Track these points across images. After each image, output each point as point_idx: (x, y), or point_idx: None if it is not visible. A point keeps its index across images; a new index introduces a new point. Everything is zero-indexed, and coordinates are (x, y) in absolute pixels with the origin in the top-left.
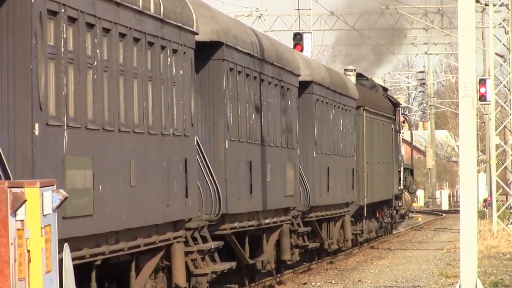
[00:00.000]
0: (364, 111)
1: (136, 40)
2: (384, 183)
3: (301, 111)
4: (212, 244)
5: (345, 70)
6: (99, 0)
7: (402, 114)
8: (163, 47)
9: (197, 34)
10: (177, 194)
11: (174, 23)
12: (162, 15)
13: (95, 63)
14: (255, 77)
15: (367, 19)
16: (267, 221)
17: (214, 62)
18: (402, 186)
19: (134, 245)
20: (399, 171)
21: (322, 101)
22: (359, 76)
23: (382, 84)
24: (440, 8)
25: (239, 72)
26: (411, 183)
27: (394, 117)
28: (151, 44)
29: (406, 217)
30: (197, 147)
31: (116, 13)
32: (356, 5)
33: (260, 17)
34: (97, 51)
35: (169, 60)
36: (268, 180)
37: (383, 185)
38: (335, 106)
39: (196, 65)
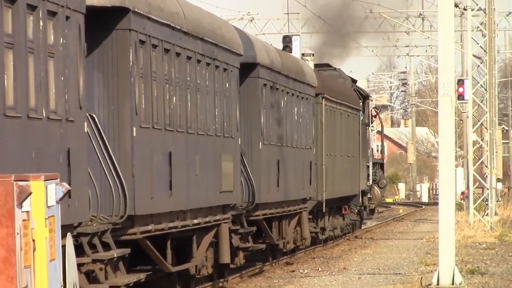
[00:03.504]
0: (323, 99)
1: None
2: (348, 177)
3: (245, 97)
4: (115, 253)
5: (303, 54)
6: None
7: (373, 108)
8: (32, 7)
9: None
10: None
11: None
12: None
13: None
14: (178, 53)
15: (353, 23)
16: (196, 221)
17: (118, 32)
18: (371, 181)
19: None
20: (368, 166)
21: (271, 87)
22: (325, 65)
23: (366, 84)
24: (421, 13)
25: (155, 46)
26: (381, 177)
27: (362, 110)
28: (11, 1)
29: (376, 212)
30: (96, 134)
31: None
32: (342, 9)
33: (251, 20)
34: None
35: (41, 23)
36: (197, 174)
37: (348, 180)
38: (288, 93)
39: (98, 35)
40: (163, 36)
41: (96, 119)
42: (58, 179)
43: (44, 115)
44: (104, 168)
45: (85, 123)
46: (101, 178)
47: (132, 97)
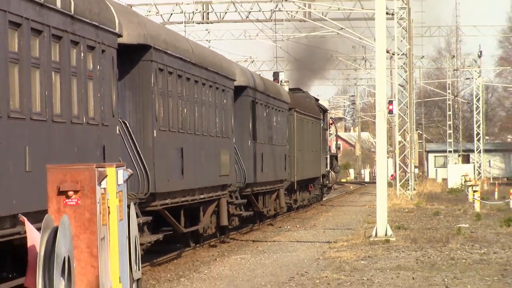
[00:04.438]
0: (295, 112)
1: (38, 32)
2: (312, 165)
3: (239, 110)
4: (140, 220)
5: (281, 81)
6: None
7: (330, 118)
8: (75, 43)
9: (120, 36)
10: None
11: (89, 21)
12: (72, 12)
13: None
14: (188, 78)
15: (318, 63)
16: (202, 196)
17: (143, 62)
18: (328, 168)
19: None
20: (326, 157)
21: (257, 102)
22: (298, 89)
23: (328, 103)
24: (364, 56)
25: (170, 73)
26: (336, 165)
27: (322, 119)
28: (58, 37)
29: (332, 189)
30: (128, 135)
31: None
32: (312, 54)
33: (252, 62)
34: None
35: (82, 55)
36: (202, 163)
37: (312, 167)
38: (269, 107)
39: (129, 65)
40: (177, 66)
41: (128, 124)
42: (125, 166)
43: (84, 121)
44: (133, 159)
45: (117, 127)
46: (131, 167)
47: (153, 109)
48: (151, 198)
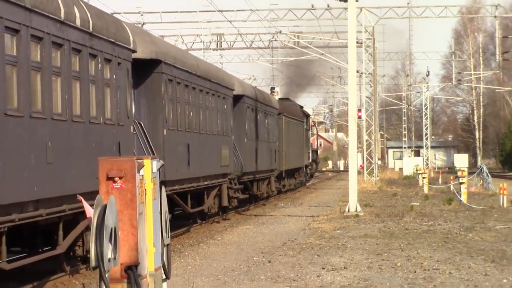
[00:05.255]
0: (283, 116)
1: (59, 45)
2: (297, 158)
3: (237, 113)
4: None
5: (272, 92)
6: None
7: (312, 121)
8: (93, 56)
9: (134, 51)
10: None
11: (106, 38)
12: (91, 30)
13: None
14: (194, 88)
15: (305, 80)
16: (206, 182)
17: (155, 74)
18: (310, 160)
19: (56, 210)
20: (309, 152)
21: (251, 108)
22: (286, 98)
23: (312, 111)
24: (340, 75)
25: (178, 83)
26: (316, 158)
27: (305, 122)
28: (78, 50)
29: (314, 176)
30: (142, 134)
31: (27, 17)
32: (300, 73)
33: (254, 79)
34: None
35: (100, 66)
36: (206, 156)
37: (297, 159)
38: (262, 111)
39: (144, 77)
40: (184, 77)
41: (143, 125)
42: (158, 159)
43: (101, 121)
44: (146, 153)
45: (132, 126)
46: None
47: (163, 112)
48: (162, 185)
